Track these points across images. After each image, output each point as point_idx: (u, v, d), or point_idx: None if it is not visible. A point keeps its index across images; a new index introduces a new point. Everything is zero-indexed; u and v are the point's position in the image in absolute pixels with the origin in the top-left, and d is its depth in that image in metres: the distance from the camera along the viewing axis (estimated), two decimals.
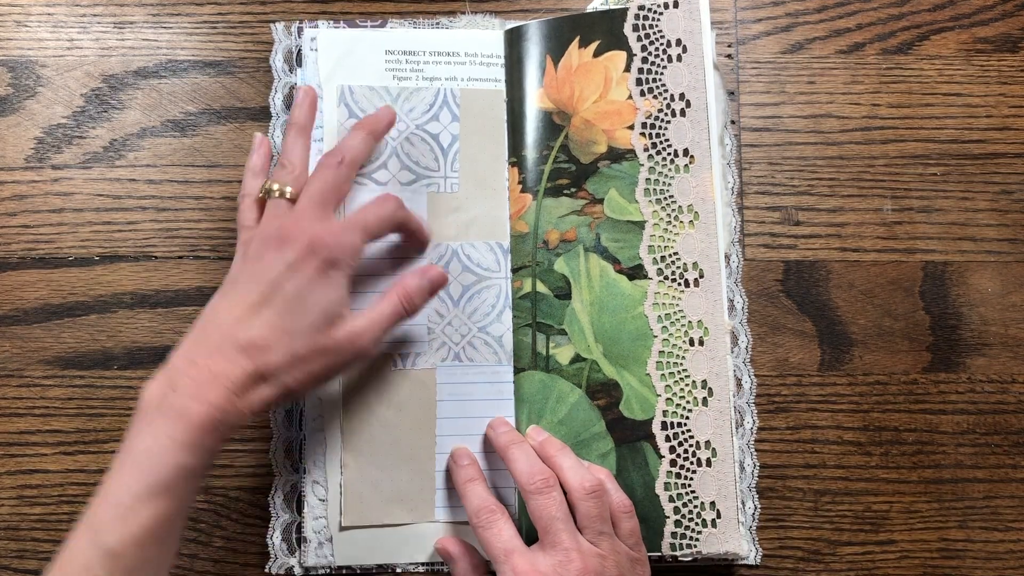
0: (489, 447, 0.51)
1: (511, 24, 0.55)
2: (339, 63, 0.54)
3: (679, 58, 0.53)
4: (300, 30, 0.54)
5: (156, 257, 0.55)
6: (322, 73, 0.54)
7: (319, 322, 0.45)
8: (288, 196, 0.47)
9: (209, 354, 0.43)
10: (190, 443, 0.41)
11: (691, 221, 0.52)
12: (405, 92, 0.54)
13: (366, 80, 0.54)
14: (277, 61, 0.55)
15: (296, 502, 0.51)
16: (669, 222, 0.52)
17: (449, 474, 0.51)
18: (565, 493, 0.47)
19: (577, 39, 0.54)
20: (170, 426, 0.41)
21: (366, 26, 0.55)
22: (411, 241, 0.52)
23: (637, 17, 0.54)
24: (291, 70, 0.55)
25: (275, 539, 0.51)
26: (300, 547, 0.51)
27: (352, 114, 0.53)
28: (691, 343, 0.52)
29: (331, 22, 0.55)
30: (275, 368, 0.44)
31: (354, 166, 0.49)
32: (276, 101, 0.55)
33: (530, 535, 0.47)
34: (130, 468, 0.41)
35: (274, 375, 0.44)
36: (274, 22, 0.55)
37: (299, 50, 0.54)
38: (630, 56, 0.54)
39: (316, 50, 0.54)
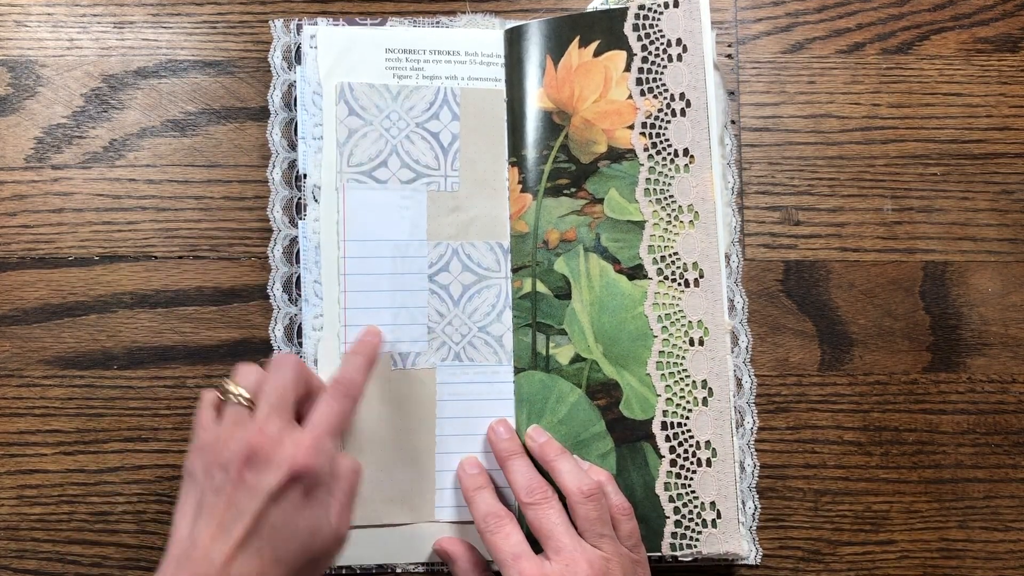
0: (490, 447, 0.51)
1: (511, 24, 0.55)
2: (338, 61, 0.54)
3: (679, 58, 0.53)
4: (299, 27, 0.54)
5: (156, 257, 0.55)
6: (321, 71, 0.54)
7: (308, 542, 0.43)
8: (243, 402, 0.44)
9: None
10: None
11: (691, 221, 0.52)
12: (405, 90, 0.54)
13: (366, 78, 0.54)
14: (276, 58, 0.55)
15: None
16: (669, 222, 0.52)
17: (456, 478, 0.51)
18: (564, 497, 0.47)
19: (577, 39, 0.54)
20: None
21: (366, 24, 0.55)
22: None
23: (637, 17, 0.54)
24: (290, 67, 0.55)
25: None
26: None
27: (352, 111, 0.53)
28: (691, 343, 0.52)
29: (330, 20, 0.55)
30: None
31: (299, 368, 0.46)
32: (275, 99, 0.55)
33: (532, 542, 0.47)
34: None
35: None
36: (273, 20, 0.55)
37: (298, 47, 0.54)
38: (630, 56, 0.54)
39: (315, 47, 0.54)
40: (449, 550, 0.50)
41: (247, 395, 0.45)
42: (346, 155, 0.53)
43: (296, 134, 0.54)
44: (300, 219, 0.53)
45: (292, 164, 0.54)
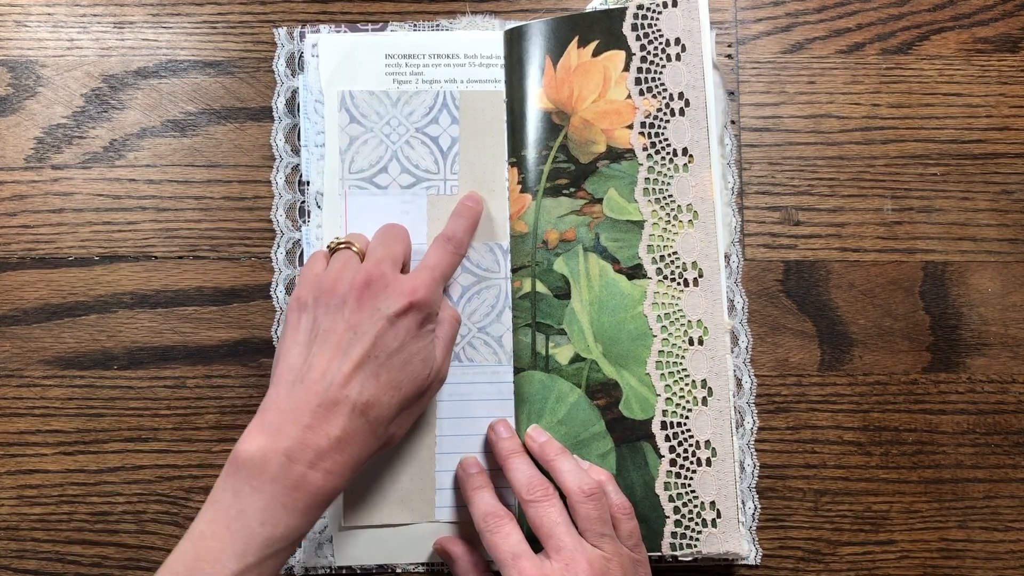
0: (490, 447, 0.51)
1: (511, 24, 0.55)
2: (340, 67, 0.54)
3: (678, 57, 0.53)
4: (302, 35, 0.55)
5: (156, 257, 0.55)
6: (323, 78, 0.54)
7: (419, 372, 0.45)
8: (355, 250, 0.48)
9: (325, 416, 0.42)
10: (307, 511, 0.41)
11: (690, 220, 0.52)
12: (405, 96, 0.54)
13: (367, 84, 0.54)
14: (279, 65, 0.55)
15: None
16: (668, 221, 0.52)
17: (456, 479, 0.51)
18: (564, 497, 0.47)
19: (576, 39, 0.54)
20: (285, 495, 0.40)
21: (367, 30, 0.55)
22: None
23: (636, 16, 0.54)
24: (293, 74, 0.55)
25: None
26: (300, 547, 0.51)
27: (353, 119, 0.53)
28: (691, 343, 0.52)
29: (332, 26, 0.55)
30: (386, 421, 0.44)
31: (404, 232, 0.50)
32: (279, 105, 0.55)
33: (531, 542, 0.47)
34: (239, 532, 0.40)
35: (384, 427, 0.44)
36: (276, 24, 0.56)
37: (301, 55, 0.55)
38: (629, 55, 0.54)
39: (317, 56, 0.54)
40: (449, 550, 0.50)
41: (356, 246, 0.47)
42: (348, 163, 0.53)
43: (299, 140, 0.54)
44: (304, 223, 0.54)
45: (295, 168, 0.54)
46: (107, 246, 0.55)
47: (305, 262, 0.49)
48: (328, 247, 0.49)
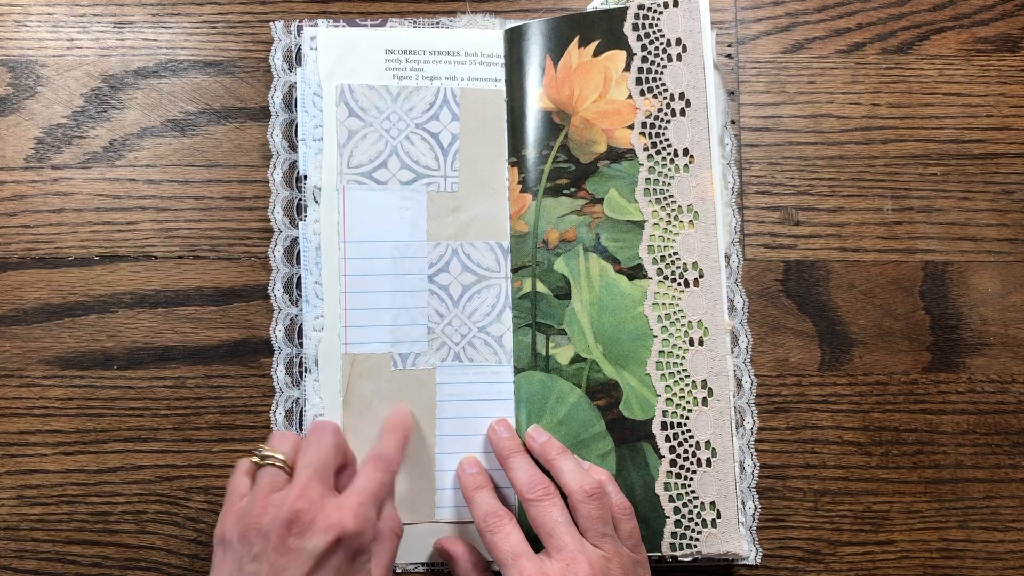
0: (490, 447, 0.51)
1: (511, 24, 0.55)
2: (339, 62, 0.54)
3: (679, 57, 0.53)
4: (300, 29, 0.54)
5: (156, 257, 0.55)
6: (322, 72, 0.54)
7: None
8: (281, 465, 0.45)
9: None
10: None
11: (691, 221, 0.52)
12: (405, 91, 0.54)
13: (366, 79, 0.54)
14: (276, 60, 0.55)
15: None
16: (669, 222, 0.52)
17: (456, 479, 0.51)
18: (565, 497, 0.47)
19: (577, 39, 0.54)
20: None
21: (366, 25, 0.55)
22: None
23: (637, 16, 0.54)
24: (291, 69, 0.55)
25: None
26: None
27: (352, 112, 0.53)
28: (691, 343, 0.52)
29: (330, 21, 0.55)
30: None
31: (339, 433, 0.47)
32: (275, 100, 0.55)
33: (532, 542, 0.47)
34: None
35: None
36: (274, 21, 0.55)
37: (299, 49, 0.54)
38: (630, 55, 0.54)
39: (316, 49, 0.54)
40: (449, 549, 0.50)
41: (283, 458, 0.45)
42: (346, 157, 0.53)
43: (297, 135, 0.54)
44: (301, 220, 0.53)
45: (293, 165, 0.54)
46: (107, 246, 0.54)
47: (231, 475, 0.46)
48: (253, 457, 0.46)
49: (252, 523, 0.42)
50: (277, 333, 0.53)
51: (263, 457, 0.45)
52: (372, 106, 0.53)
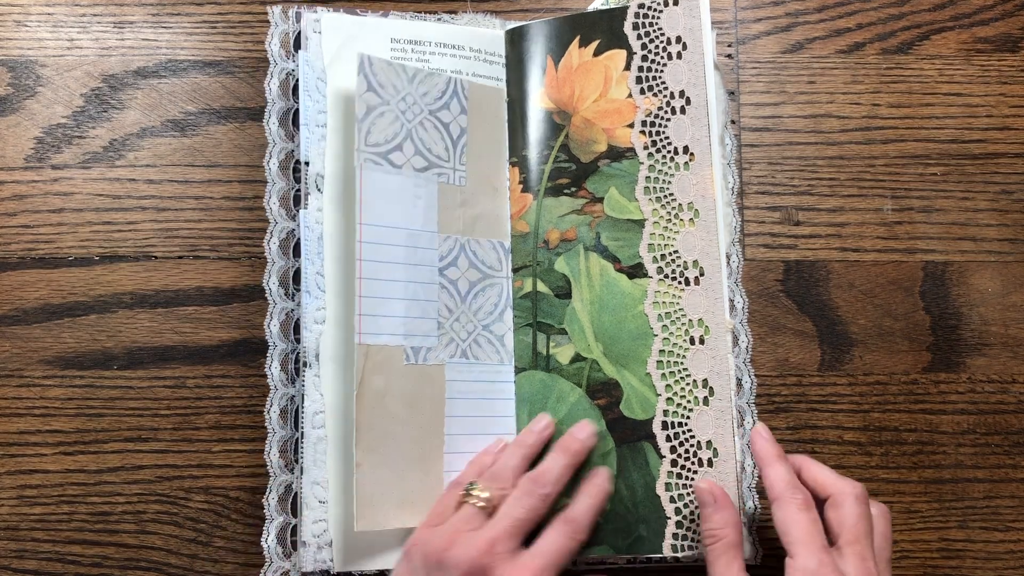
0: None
1: (511, 24, 0.55)
2: (343, 47, 0.53)
3: (679, 55, 0.53)
4: (299, 15, 0.53)
5: (156, 257, 0.54)
6: (326, 56, 0.52)
7: None
8: (483, 505, 0.46)
9: None
10: None
11: (691, 219, 0.52)
12: (420, 74, 0.52)
13: None
14: (273, 46, 0.53)
15: (292, 503, 0.50)
16: (669, 220, 0.52)
17: (750, 446, 0.49)
18: (822, 502, 0.45)
19: (577, 39, 0.54)
20: None
21: (366, 14, 0.54)
22: None
23: (637, 15, 0.54)
24: (288, 56, 0.53)
25: (270, 542, 0.50)
26: (297, 551, 0.50)
27: (371, 87, 0.51)
28: (692, 342, 0.52)
29: (330, 8, 0.54)
30: None
31: (551, 499, 0.47)
32: (272, 87, 0.53)
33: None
34: None
35: None
36: (271, 5, 0.54)
37: (298, 35, 0.53)
38: (630, 54, 0.54)
39: (320, 32, 0.53)
40: (716, 493, 0.47)
41: (484, 503, 0.46)
42: (364, 133, 0.50)
43: (294, 123, 0.53)
44: (303, 208, 0.51)
45: (289, 155, 0.53)
46: (107, 246, 0.54)
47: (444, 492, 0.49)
48: (465, 488, 0.47)
49: (435, 552, 0.44)
50: (272, 328, 0.52)
51: (469, 494, 0.47)
52: (390, 83, 0.51)
